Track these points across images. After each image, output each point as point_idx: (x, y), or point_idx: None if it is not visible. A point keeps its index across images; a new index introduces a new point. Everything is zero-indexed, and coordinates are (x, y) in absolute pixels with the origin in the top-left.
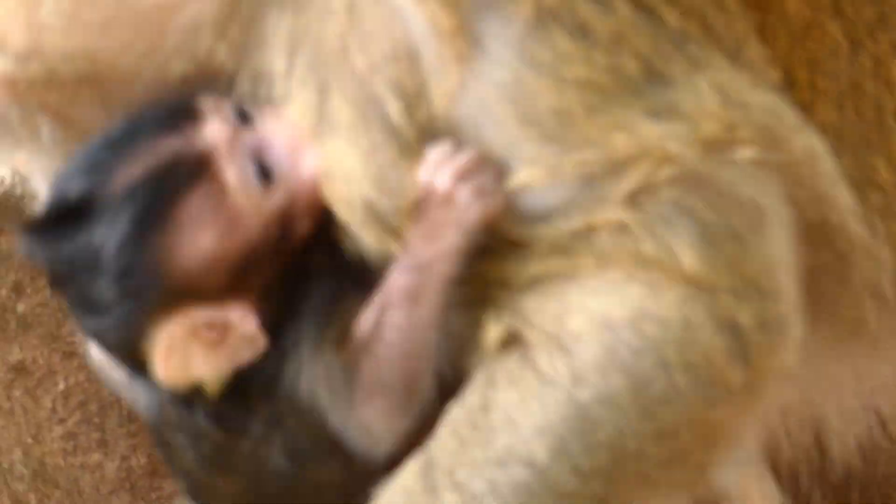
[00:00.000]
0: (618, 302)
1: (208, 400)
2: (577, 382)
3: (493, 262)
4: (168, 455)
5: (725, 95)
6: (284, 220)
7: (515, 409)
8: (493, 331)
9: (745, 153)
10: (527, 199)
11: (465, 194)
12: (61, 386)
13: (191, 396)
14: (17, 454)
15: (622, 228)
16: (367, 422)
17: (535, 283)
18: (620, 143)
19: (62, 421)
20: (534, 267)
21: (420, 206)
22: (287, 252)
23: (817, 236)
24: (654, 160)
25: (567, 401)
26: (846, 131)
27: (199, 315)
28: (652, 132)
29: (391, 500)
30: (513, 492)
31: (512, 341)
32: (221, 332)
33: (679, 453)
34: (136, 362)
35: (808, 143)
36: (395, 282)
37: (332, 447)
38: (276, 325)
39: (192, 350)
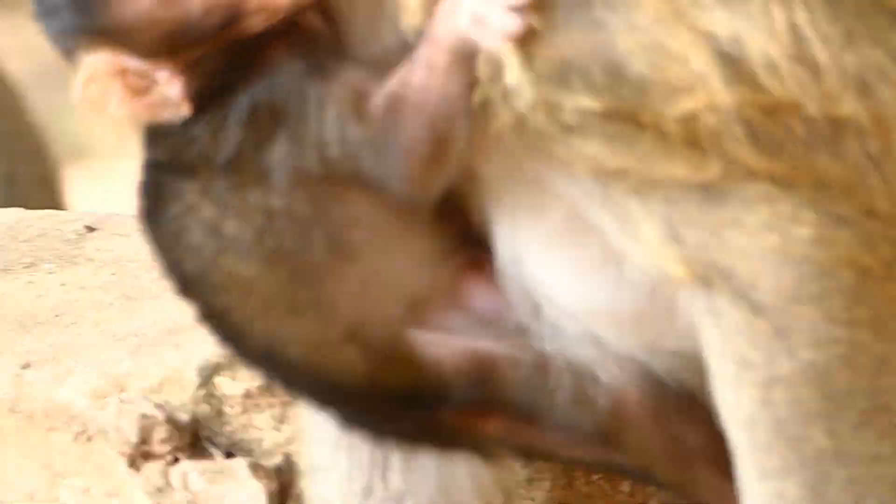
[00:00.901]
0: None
1: None
2: (784, 339)
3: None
4: None
5: None
6: (230, 11)
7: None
8: (678, 271)
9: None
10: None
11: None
12: None
13: None
14: None
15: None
16: (406, 167)
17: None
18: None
19: None
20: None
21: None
22: (228, 40)
23: None
24: (702, 98)
25: (804, 367)
26: None
27: (129, 62)
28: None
29: None
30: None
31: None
32: (149, 84)
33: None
34: None
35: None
36: (417, 54)
37: None
38: (211, 101)
39: (114, 88)
